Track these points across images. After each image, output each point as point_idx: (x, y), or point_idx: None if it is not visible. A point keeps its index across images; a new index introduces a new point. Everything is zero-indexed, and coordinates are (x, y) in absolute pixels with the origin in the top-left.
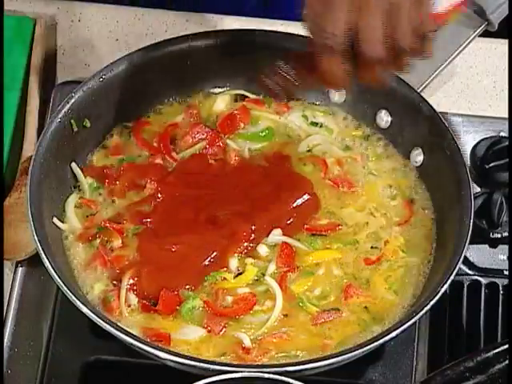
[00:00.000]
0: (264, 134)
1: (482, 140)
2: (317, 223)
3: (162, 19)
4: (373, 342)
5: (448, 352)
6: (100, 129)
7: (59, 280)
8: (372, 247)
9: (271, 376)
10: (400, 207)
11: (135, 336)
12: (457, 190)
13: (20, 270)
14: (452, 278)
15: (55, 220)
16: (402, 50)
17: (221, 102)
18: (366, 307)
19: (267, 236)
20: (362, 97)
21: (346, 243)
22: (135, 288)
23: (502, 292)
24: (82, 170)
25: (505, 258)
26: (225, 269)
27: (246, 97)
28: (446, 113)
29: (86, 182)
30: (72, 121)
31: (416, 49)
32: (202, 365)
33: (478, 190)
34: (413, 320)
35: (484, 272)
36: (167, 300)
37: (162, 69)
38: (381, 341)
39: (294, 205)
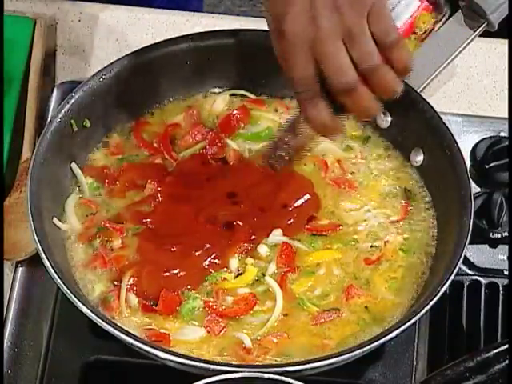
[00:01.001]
0: (264, 134)
1: (482, 140)
2: (317, 223)
3: (162, 19)
4: (373, 342)
5: (448, 352)
6: (100, 129)
7: (59, 280)
8: (372, 246)
9: (271, 376)
10: (400, 207)
11: (135, 336)
12: (457, 190)
13: (20, 270)
14: (452, 277)
15: (55, 220)
16: (374, 68)
17: (221, 102)
18: (366, 307)
19: (267, 236)
20: None
21: (346, 243)
22: (135, 288)
23: (501, 292)
24: (82, 169)
25: (505, 258)
26: (225, 269)
27: (246, 97)
28: (446, 113)
29: (86, 182)
30: (72, 121)
31: (390, 62)
32: (202, 365)
33: (478, 190)
34: (413, 320)
35: (484, 272)
36: (167, 300)
37: (161, 69)
38: (381, 341)
39: (295, 205)
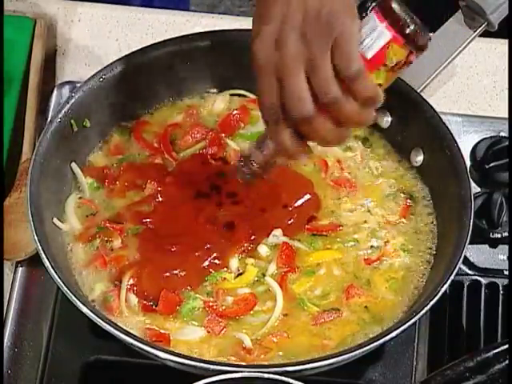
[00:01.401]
0: None
1: (482, 140)
2: (317, 223)
3: (162, 19)
4: (373, 342)
5: (448, 352)
6: (100, 129)
7: (59, 280)
8: (372, 246)
9: (271, 376)
10: (400, 207)
11: (135, 336)
12: (457, 190)
13: (20, 270)
14: (452, 277)
15: (55, 220)
16: (331, 99)
17: (221, 102)
18: (366, 307)
19: (268, 236)
20: None
21: (347, 243)
22: (135, 288)
23: (501, 292)
24: (82, 170)
25: (505, 258)
26: (225, 269)
27: (246, 97)
28: (446, 113)
29: (86, 182)
30: (72, 121)
31: (353, 93)
32: (202, 365)
33: (478, 190)
34: (413, 320)
35: (484, 272)
36: (167, 300)
37: (161, 69)
38: (381, 341)
39: (295, 205)
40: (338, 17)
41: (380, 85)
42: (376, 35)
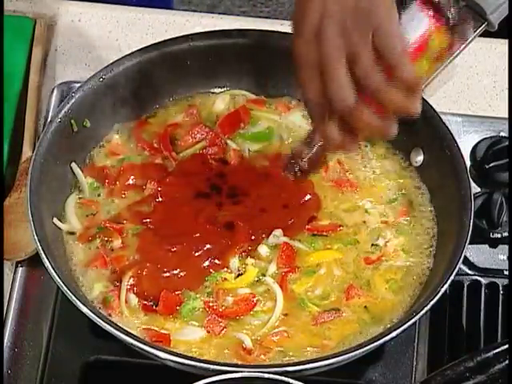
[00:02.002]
0: (264, 134)
1: (482, 140)
2: (318, 223)
3: (162, 19)
4: (373, 342)
5: (448, 352)
6: (100, 129)
7: (59, 280)
8: (372, 245)
9: (271, 376)
10: (400, 207)
11: (135, 336)
12: (457, 190)
13: (20, 270)
14: (452, 278)
15: (55, 220)
16: (375, 87)
17: (221, 102)
18: (366, 307)
19: (268, 236)
20: None
21: (347, 243)
22: (135, 288)
23: (501, 292)
24: (81, 170)
25: (505, 258)
26: (225, 269)
27: (246, 97)
28: (446, 113)
29: (86, 182)
30: (72, 121)
31: (396, 80)
32: (202, 365)
33: (478, 190)
34: (413, 320)
35: (484, 272)
36: (167, 300)
37: (162, 69)
38: (381, 341)
39: (295, 205)
40: (376, 5)
41: (423, 74)
42: (416, 23)
